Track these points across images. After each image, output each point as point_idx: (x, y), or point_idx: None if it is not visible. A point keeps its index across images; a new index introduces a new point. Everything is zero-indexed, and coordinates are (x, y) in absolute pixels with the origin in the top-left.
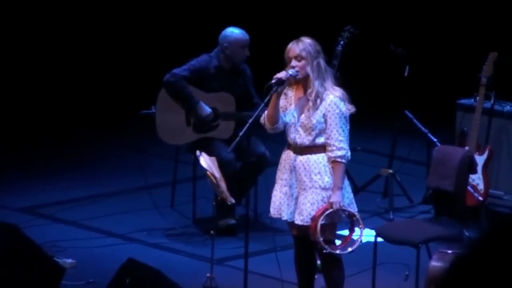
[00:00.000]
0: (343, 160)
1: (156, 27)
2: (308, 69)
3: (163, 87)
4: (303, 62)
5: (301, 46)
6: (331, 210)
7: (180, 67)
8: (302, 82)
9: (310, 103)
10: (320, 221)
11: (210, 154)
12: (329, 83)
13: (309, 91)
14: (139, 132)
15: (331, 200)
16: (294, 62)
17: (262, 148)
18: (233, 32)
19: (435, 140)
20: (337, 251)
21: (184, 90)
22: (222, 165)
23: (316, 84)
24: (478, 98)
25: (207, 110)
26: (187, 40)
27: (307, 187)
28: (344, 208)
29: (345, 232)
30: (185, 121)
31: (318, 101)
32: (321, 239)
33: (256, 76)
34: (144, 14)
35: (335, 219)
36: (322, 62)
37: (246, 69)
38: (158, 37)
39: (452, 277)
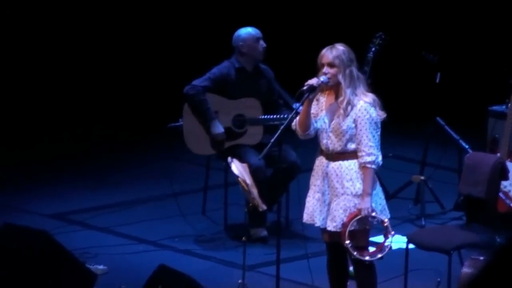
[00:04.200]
0: (373, 166)
1: (185, 41)
2: (340, 77)
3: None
4: (335, 69)
5: (334, 53)
6: (360, 216)
7: (200, 78)
8: (333, 88)
9: (341, 111)
10: (350, 227)
11: (240, 161)
12: (360, 90)
13: (340, 99)
14: (170, 140)
15: (360, 206)
16: (326, 69)
17: (293, 155)
18: (244, 30)
19: (466, 146)
20: (366, 258)
21: (202, 105)
22: (252, 172)
23: (348, 92)
24: (509, 104)
25: (220, 129)
26: (215, 51)
27: (339, 194)
28: (373, 214)
29: (380, 239)
30: None
31: (349, 108)
32: (350, 244)
33: (287, 82)
34: (172, 27)
35: (366, 225)
36: (354, 70)
37: (267, 70)
38: (190, 50)
39: (480, 283)
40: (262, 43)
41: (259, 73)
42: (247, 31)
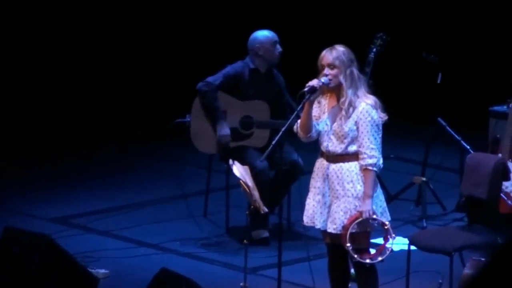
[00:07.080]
0: (374, 168)
1: (191, 36)
2: (341, 78)
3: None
4: (336, 70)
5: (334, 54)
6: (361, 218)
7: (214, 75)
8: (335, 90)
9: (343, 112)
10: (350, 230)
11: (243, 162)
12: (361, 91)
13: (342, 100)
14: (172, 141)
15: (361, 208)
16: (327, 70)
17: (295, 156)
18: (261, 32)
19: (468, 147)
20: (367, 260)
21: (213, 103)
22: (255, 174)
23: (349, 93)
24: (511, 104)
25: (226, 131)
26: (222, 48)
27: (339, 196)
28: (374, 217)
29: (380, 241)
30: None
31: (351, 109)
32: (351, 247)
33: (289, 84)
34: (178, 23)
35: (367, 227)
36: (355, 70)
37: (278, 75)
38: (194, 46)
39: (479, 284)
40: (278, 47)
41: (272, 76)
42: (264, 34)
